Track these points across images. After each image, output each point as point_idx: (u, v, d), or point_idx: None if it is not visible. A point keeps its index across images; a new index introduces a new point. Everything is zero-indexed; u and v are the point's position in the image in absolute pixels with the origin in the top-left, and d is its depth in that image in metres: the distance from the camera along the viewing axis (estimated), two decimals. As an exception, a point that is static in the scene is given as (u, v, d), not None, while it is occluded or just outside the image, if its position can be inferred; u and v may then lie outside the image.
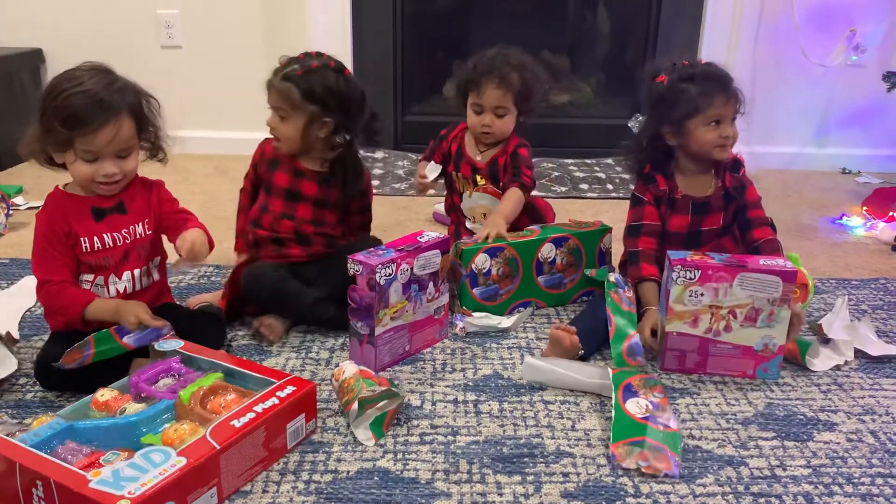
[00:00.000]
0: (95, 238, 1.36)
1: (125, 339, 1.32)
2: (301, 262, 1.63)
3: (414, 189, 1.91)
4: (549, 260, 1.72)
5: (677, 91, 1.55)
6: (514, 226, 1.81)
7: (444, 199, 2.45)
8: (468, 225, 1.87)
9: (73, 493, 0.98)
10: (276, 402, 1.18)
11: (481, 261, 1.63)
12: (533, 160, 1.84)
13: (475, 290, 1.65)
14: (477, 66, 1.78)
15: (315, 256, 1.63)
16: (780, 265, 1.41)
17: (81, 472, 1.01)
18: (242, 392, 1.23)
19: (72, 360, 1.28)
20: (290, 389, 1.21)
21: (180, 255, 1.36)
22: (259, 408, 1.16)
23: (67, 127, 1.27)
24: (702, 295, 1.43)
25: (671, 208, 1.63)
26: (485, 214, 1.84)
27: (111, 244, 1.37)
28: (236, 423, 1.12)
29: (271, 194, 1.64)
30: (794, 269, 1.41)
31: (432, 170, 1.87)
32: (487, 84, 1.76)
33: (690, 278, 1.42)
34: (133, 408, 1.19)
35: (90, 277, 1.37)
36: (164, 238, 1.47)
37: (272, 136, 1.61)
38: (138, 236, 1.41)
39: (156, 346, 1.33)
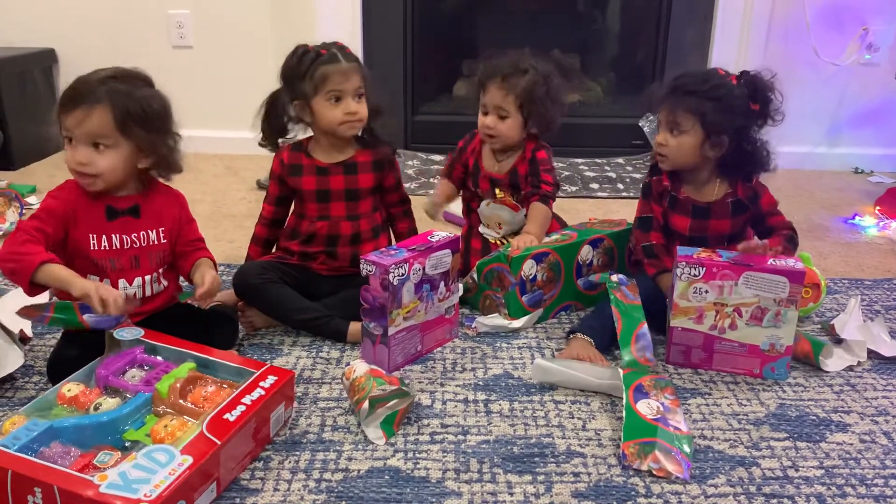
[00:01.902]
0: (104, 237, 1.36)
1: (85, 317, 1.27)
2: (322, 275, 1.65)
3: (427, 208, 1.85)
4: (587, 262, 1.72)
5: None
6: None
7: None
8: (481, 229, 1.85)
9: (82, 498, 0.95)
10: (263, 392, 1.19)
11: (528, 267, 1.62)
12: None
13: (524, 298, 1.64)
14: (485, 66, 1.75)
15: (339, 270, 1.65)
16: (788, 265, 1.40)
17: (86, 476, 0.98)
18: (219, 383, 1.23)
19: (28, 315, 1.27)
20: (272, 379, 1.22)
21: (195, 290, 1.40)
22: (247, 399, 1.16)
23: (59, 110, 1.33)
24: (706, 292, 1.43)
25: (672, 207, 1.62)
26: (500, 224, 1.82)
27: (118, 246, 1.37)
28: (230, 417, 1.12)
29: (304, 200, 1.64)
30: (803, 270, 1.40)
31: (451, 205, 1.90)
32: (491, 83, 1.72)
33: (695, 275, 1.42)
34: (109, 403, 1.16)
35: (97, 279, 1.36)
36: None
37: (354, 122, 1.59)
38: (151, 243, 1.41)
39: (114, 335, 1.29)
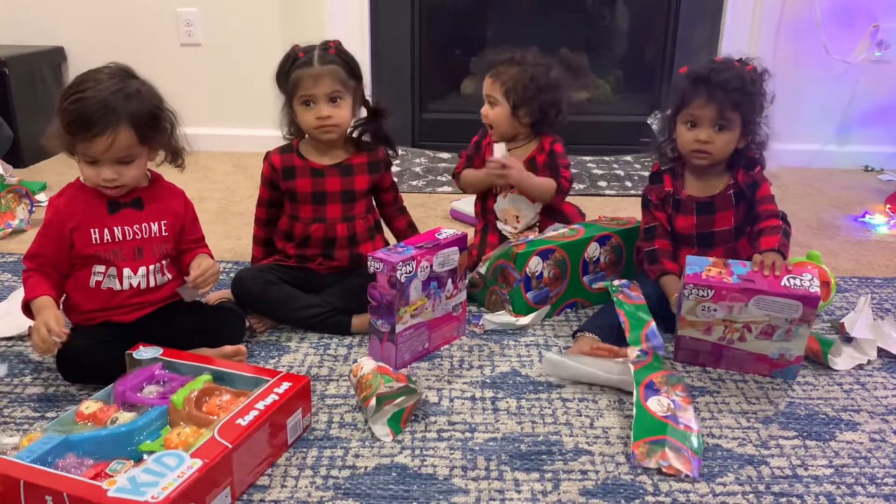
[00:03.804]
0: (106, 230, 1.37)
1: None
2: (322, 273, 1.65)
3: (489, 172, 1.78)
4: (594, 259, 1.72)
5: (673, 84, 1.59)
6: (537, 226, 1.81)
7: (460, 196, 2.46)
8: (499, 225, 1.85)
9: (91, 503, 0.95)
10: (276, 398, 1.18)
11: (534, 264, 1.62)
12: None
13: (529, 294, 1.64)
14: (480, 60, 1.82)
15: (339, 269, 1.65)
16: (802, 287, 1.37)
17: (96, 482, 0.98)
18: (235, 393, 1.23)
19: None
20: (286, 385, 1.21)
21: (188, 278, 1.41)
22: (260, 405, 1.16)
23: (68, 132, 1.30)
24: (715, 310, 1.42)
25: (676, 209, 1.61)
26: (517, 217, 1.82)
27: (121, 237, 1.38)
28: (242, 422, 1.11)
29: (297, 202, 1.64)
30: (817, 294, 1.37)
31: (499, 150, 1.81)
32: (486, 74, 1.79)
33: (703, 296, 1.41)
34: (125, 417, 1.17)
35: (102, 269, 1.38)
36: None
37: (328, 127, 1.56)
38: (153, 235, 1.41)
39: (133, 355, 1.30)
